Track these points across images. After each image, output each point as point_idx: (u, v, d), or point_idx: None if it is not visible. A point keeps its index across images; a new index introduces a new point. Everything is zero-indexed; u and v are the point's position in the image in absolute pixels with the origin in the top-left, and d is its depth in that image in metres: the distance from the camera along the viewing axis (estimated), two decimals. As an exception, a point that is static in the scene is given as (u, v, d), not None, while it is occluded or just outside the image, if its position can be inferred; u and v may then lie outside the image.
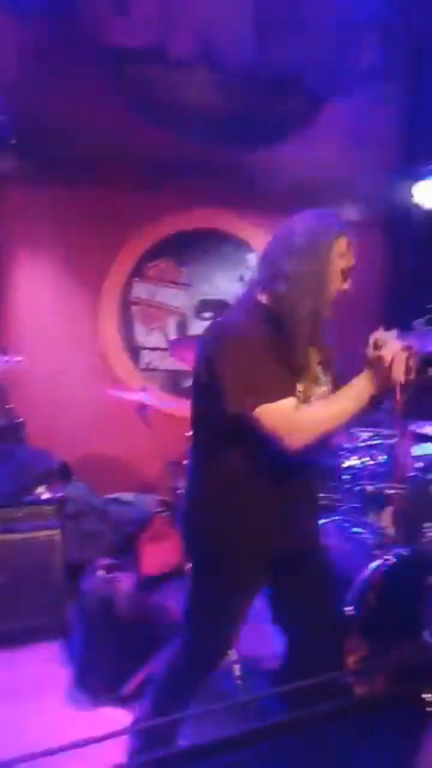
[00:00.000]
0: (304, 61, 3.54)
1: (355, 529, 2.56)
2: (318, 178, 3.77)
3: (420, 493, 2.97)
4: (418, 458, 2.76)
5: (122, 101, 3.68)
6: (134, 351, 4.07)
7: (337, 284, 1.63)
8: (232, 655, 2.61)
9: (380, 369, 1.51)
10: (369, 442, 2.51)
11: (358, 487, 2.48)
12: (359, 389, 1.54)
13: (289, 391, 1.55)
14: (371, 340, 1.55)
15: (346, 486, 2.50)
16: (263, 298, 1.65)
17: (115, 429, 3.71)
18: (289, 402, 1.52)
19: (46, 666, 2.73)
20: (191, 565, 1.80)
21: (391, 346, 1.51)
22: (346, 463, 2.47)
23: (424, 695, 1.00)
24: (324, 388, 1.66)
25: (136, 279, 4.01)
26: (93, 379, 3.81)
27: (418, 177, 3.91)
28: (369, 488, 2.43)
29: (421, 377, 1.58)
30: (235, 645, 2.64)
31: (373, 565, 2.21)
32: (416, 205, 3.95)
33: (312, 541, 1.84)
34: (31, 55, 3.41)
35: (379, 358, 1.51)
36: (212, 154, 3.77)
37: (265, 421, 1.50)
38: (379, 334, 1.56)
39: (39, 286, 3.86)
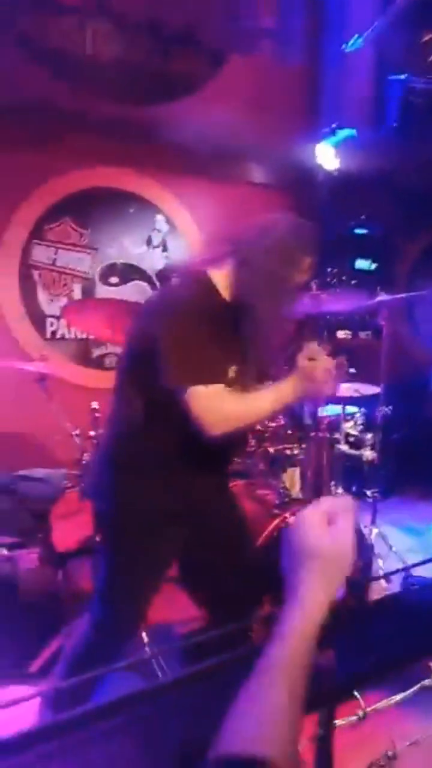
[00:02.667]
0: (199, 15, 3.43)
1: (260, 491, 2.60)
2: (222, 137, 3.69)
3: (326, 452, 3.07)
4: (324, 418, 2.83)
5: (16, 51, 3.41)
6: (38, 319, 3.89)
7: (292, 297, 1.73)
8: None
9: (310, 380, 1.58)
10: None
11: (261, 449, 2.50)
12: (285, 393, 1.61)
13: (223, 375, 1.58)
14: (305, 351, 1.63)
15: (251, 448, 2.52)
16: (216, 276, 1.65)
17: (19, 402, 3.55)
18: (219, 389, 1.55)
19: None
20: (103, 536, 1.80)
21: (325, 361, 1.60)
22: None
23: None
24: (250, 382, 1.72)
25: (36, 241, 3.81)
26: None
27: (320, 138, 3.93)
28: (271, 450, 2.46)
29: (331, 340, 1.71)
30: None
31: (274, 524, 2.25)
32: (320, 167, 3.97)
33: (222, 503, 1.87)
34: None
35: (312, 370, 1.58)
36: (113, 108, 3.60)
37: (195, 404, 1.52)
38: (314, 346, 1.65)
39: None
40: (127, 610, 1.76)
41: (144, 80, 3.65)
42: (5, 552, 2.60)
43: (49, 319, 3.92)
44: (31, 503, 3.39)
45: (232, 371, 1.65)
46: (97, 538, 1.97)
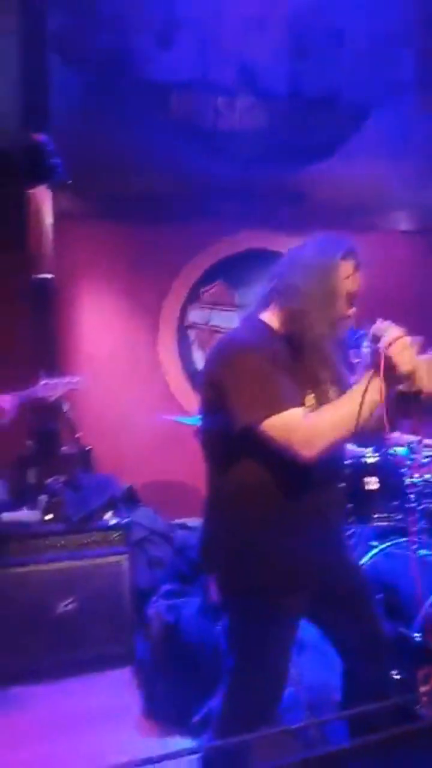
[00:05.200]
0: (340, 77, 3.53)
1: (422, 551, 2.45)
2: (362, 191, 3.73)
3: None
4: None
5: (170, 134, 3.79)
6: (192, 375, 4.12)
7: (343, 307, 1.62)
8: (299, 682, 2.54)
9: (384, 359, 1.45)
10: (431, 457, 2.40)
11: (422, 506, 2.37)
12: (363, 386, 1.47)
13: (297, 404, 1.52)
14: (370, 333, 1.51)
15: (410, 505, 2.39)
16: (266, 316, 1.65)
17: (178, 454, 3.74)
18: (297, 411, 1.49)
19: (115, 694, 2.75)
20: (222, 608, 1.70)
21: (392, 333, 1.46)
22: (409, 480, 2.37)
23: None
24: None
25: (192, 304, 4.08)
26: (155, 405, 3.88)
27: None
28: (435, 507, 2.32)
29: None
30: (300, 672, 2.58)
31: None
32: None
33: (343, 553, 1.78)
34: (80, 95, 3.58)
35: (381, 348, 1.46)
36: (261, 175, 3.81)
37: (276, 433, 1.46)
38: (378, 325, 1.51)
39: (100, 317, 4.00)
40: (258, 689, 1.64)
41: (289, 146, 3.82)
42: (168, 600, 2.70)
43: (203, 375, 4.13)
44: (186, 552, 3.51)
45: (309, 399, 1.57)
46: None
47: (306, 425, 1.48)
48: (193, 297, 4.09)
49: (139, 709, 2.60)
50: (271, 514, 1.58)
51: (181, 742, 2.37)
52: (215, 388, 1.57)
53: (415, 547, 2.49)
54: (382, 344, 1.47)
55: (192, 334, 4.11)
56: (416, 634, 2.06)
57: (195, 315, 4.11)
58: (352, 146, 3.81)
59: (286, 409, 1.48)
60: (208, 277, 4.09)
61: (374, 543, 2.58)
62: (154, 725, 2.49)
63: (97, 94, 3.58)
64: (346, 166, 3.75)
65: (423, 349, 1.51)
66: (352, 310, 1.65)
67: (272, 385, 1.51)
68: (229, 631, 1.71)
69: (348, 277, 1.61)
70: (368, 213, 3.93)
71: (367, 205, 3.78)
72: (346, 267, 1.61)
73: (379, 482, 2.40)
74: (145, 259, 3.96)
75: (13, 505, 3.22)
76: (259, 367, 1.52)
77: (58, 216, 3.67)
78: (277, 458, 1.50)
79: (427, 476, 2.35)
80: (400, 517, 2.39)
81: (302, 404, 1.55)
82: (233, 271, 4.12)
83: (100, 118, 3.63)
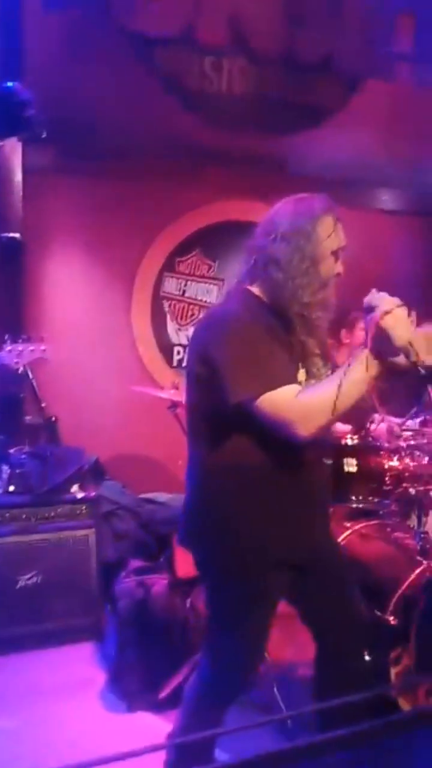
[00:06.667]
0: (334, 44, 3.42)
1: (397, 534, 2.46)
2: (354, 163, 3.65)
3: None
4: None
5: (153, 90, 3.60)
6: (166, 347, 4.02)
7: (330, 266, 1.56)
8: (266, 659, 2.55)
9: (379, 330, 1.40)
10: (411, 442, 2.39)
11: (399, 489, 2.37)
12: (363, 359, 1.42)
13: (292, 379, 1.47)
14: (365, 304, 1.45)
15: (387, 488, 2.40)
16: (254, 288, 1.58)
17: (148, 427, 3.67)
18: (293, 388, 1.44)
19: (80, 667, 2.72)
20: (207, 584, 1.69)
21: (386, 303, 1.40)
22: (387, 465, 2.37)
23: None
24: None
25: (167, 274, 3.95)
26: (126, 376, 3.77)
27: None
28: (412, 491, 2.32)
29: None
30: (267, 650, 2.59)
31: (417, 572, 2.11)
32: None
33: (327, 533, 1.77)
34: (60, 45, 3.36)
35: (376, 318, 1.40)
36: (247, 142, 3.68)
37: (272, 409, 1.42)
38: (372, 295, 1.45)
39: (70, 281, 3.83)
40: (236, 659, 1.65)
41: (279, 112, 3.70)
42: (136, 575, 2.65)
43: (177, 348, 4.04)
44: (153, 526, 3.47)
45: (301, 374, 1.54)
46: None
47: (302, 403, 1.43)
48: (168, 265, 3.95)
49: (105, 682, 2.57)
50: (259, 491, 1.55)
51: (146, 717, 2.36)
52: (207, 362, 1.51)
53: (389, 529, 2.52)
54: (376, 315, 1.41)
55: (166, 304, 3.99)
56: (389, 617, 2.07)
57: (170, 285, 3.98)
58: (340, 118, 3.72)
59: (281, 385, 1.43)
60: (184, 247, 3.96)
61: (347, 524, 2.59)
62: (119, 699, 2.46)
63: (77, 42, 3.36)
64: (334, 137, 3.66)
65: (418, 323, 1.44)
66: (340, 267, 1.59)
67: (267, 360, 1.46)
68: (209, 604, 1.70)
69: (330, 235, 1.55)
70: (352, 189, 3.85)
71: (351, 181, 3.70)
72: (326, 225, 1.54)
73: (357, 464, 2.39)
74: (120, 222, 3.79)
75: (-25, 476, 3.10)
76: (255, 341, 1.47)
77: (28, 171, 3.46)
78: (269, 435, 1.46)
79: (406, 460, 2.34)
80: (377, 500, 2.39)
81: (295, 379, 1.51)
82: (210, 241, 4.00)
83: (78, 68, 3.42)
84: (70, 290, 3.82)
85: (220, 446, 1.56)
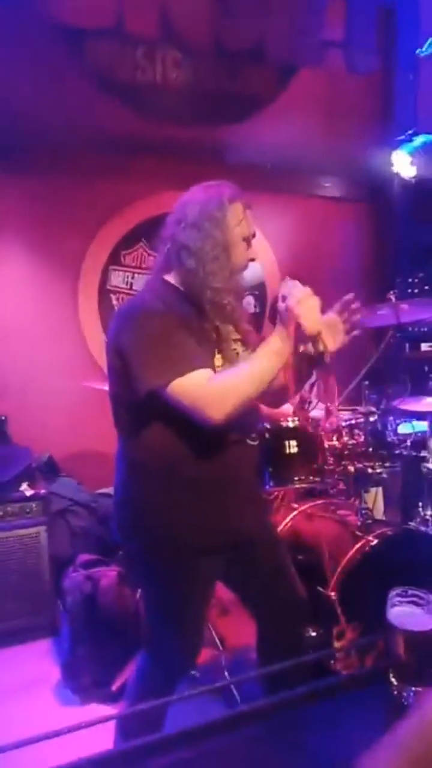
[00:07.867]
0: (265, 32, 3.43)
1: (341, 512, 2.50)
2: (294, 152, 3.66)
3: (411, 472, 2.90)
4: (408, 435, 2.69)
5: (86, 83, 3.57)
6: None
7: (241, 253, 1.59)
8: (219, 646, 2.57)
9: (290, 318, 1.46)
10: (350, 421, 2.43)
11: (340, 468, 2.40)
12: (273, 344, 1.47)
13: (205, 365, 1.48)
14: (279, 291, 1.50)
15: (329, 468, 2.42)
16: (170, 278, 1.60)
17: (102, 423, 3.61)
18: (203, 372, 1.45)
19: (34, 664, 2.70)
20: (139, 576, 1.71)
21: (298, 293, 1.46)
22: (327, 444, 2.39)
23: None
24: None
25: (113, 267, 3.92)
26: (77, 372, 3.74)
27: (396, 146, 3.81)
28: (352, 468, 2.35)
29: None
30: (221, 636, 2.61)
31: (356, 547, 2.15)
32: (396, 175, 3.85)
33: (258, 513, 1.78)
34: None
35: (288, 308, 1.46)
36: (183, 133, 3.67)
37: (183, 395, 1.43)
38: (285, 284, 1.51)
39: (13, 278, 3.77)
40: (173, 648, 1.64)
41: (213, 102, 3.70)
42: (85, 570, 2.64)
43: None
44: (111, 522, 3.45)
45: (218, 360, 1.56)
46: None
47: (212, 387, 1.44)
48: (114, 260, 3.92)
49: (58, 679, 2.56)
50: (182, 478, 1.55)
51: (99, 709, 2.35)
52: (119, 352, 1.52)
53: (333, 507, 2.55)
54: (289, 303, 1.46)
55: (114, 298, 3.97)
56: (331, 593, 2.10)
57: (116, 278, 3.96)
58: (275, 106, 3.73)
59: (192, 371, 1.44)
60: (128, 240, 3.93)
61: (294, 505, 2.62)
62: (73, 694, 2.46)
63: (3, 35, 3.31)
64: (272, 125, 3.67)
65: (324, 310, 1.52)
66: (252, 253, 1.62)
67: (177, 347, 1.46)
68: (144, 593, 1.71)
69: (240, 221, 1.57)
70: (291, 176, 3.87)
71: (289, 168, 3.71)
72: (235, 213, 1.57)
73: (298, 445, 2.41)
74: (60, 217, 3.73)
75: None
76: (162, 330, 1.48)
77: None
78: (185, 422, 1.46)
79: (344, 439, 2.37)
80: (318, 479, 2.41)
81: (209, 365, 1.51)
82: (154, 233, 3.97)
83: (6, 62, 3.36)
84: (13, 289, 3.77)
85: (138, 437, 1.57)
